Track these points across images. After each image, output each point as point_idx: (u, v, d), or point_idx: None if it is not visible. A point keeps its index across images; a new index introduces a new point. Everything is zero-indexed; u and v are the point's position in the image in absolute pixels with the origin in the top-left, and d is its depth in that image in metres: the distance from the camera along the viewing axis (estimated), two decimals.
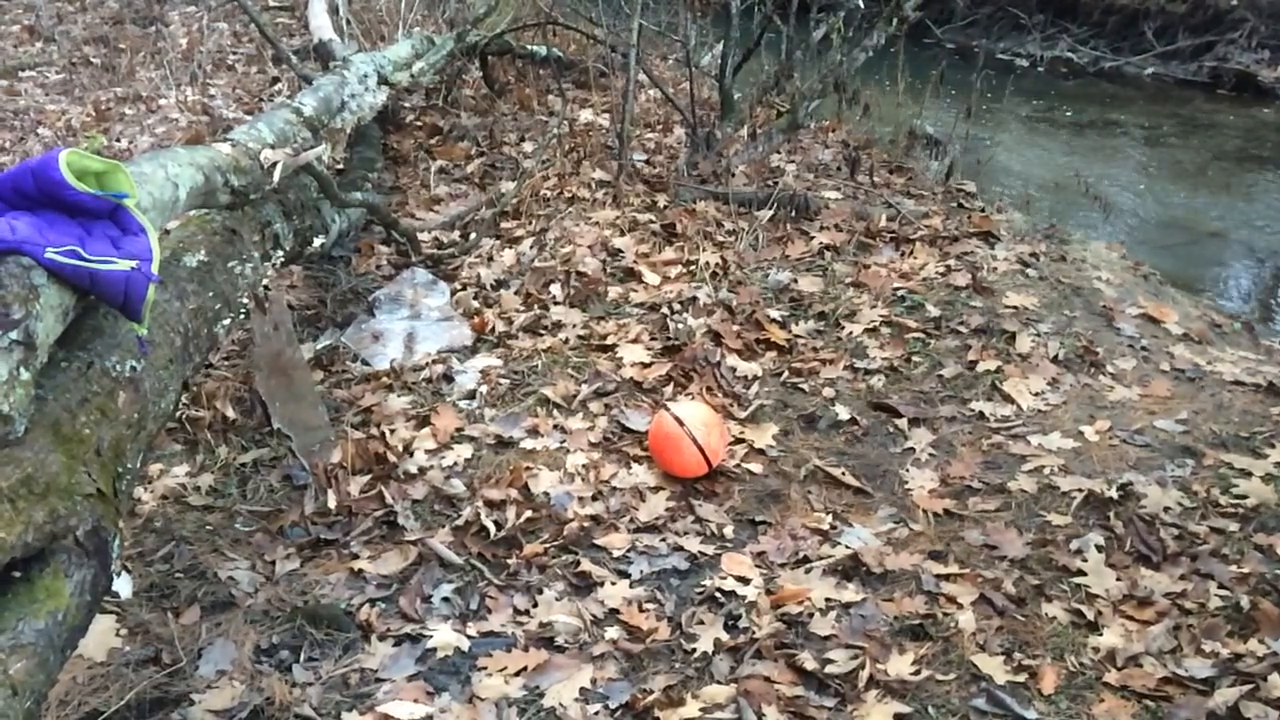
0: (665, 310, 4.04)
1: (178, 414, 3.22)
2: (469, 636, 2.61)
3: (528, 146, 5.77)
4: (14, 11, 9.28)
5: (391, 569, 2.84)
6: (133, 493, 2.52)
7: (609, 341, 3.88)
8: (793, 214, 4.75)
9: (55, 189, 1.92)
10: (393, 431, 3.39)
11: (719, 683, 2.45)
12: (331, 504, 3.08)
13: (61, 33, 8.52)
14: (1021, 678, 2.43)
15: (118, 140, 6.09)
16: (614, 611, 2.69)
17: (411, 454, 3.29)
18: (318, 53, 5.91)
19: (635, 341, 3.86)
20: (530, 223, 4.80)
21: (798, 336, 3.94)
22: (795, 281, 4.27)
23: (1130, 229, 6.13)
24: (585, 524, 3.00)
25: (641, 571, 2.83)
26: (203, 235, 2.92)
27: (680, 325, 3.93)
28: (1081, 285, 4.24)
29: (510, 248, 4.59)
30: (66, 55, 7.95)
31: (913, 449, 3.31)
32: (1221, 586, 2.65)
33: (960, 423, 3.44)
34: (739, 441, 3.35)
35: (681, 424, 3.13)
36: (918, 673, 2.44)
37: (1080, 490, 3.03)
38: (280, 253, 3.42)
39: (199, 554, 2.89)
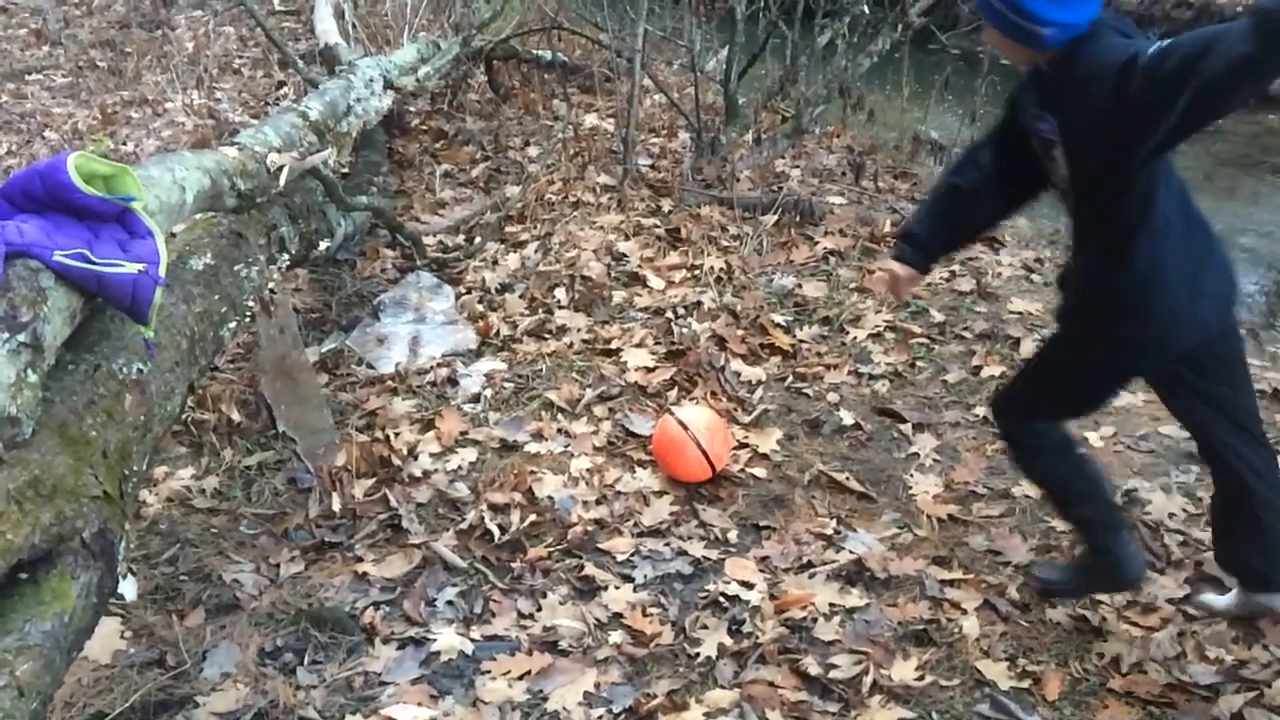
0: (669, 315, 4.04)
1: (183, 417, 3.23)
2: (473, 640, 2.61)
3: (532, 151, 5.78)
4: (21, 15, 9.31)
5: (395, 572, 2.85)
6: (138, 495, 2.52)
7: (613, 346, 3.89)
8: (797, 219, 4.76)
9: (63, 192, 1.93)
10: (397, 435, 3.39)
11: (722, 687, 2.45)
12: (336, 507, 3.09)
13: (68, 36, 8.55)
14: (1025, 684, 2.42)
15: (124, 144, 6.11)
16: (618, 615, 2.69)
17: (416, 457, 3.29)
18: (323, 57, 5.92)
19: (639, 346, 3.86)
20: (535, 227, 4.80)
21: (802, 341, 3.94)
22: (799, 286, 4.27)
23: None
24: (589, 528, 3.00)
25: (645, 576, 2.83)
26: (209, 238, 2.93)
27: (684, 330, 3.94)
28: None
29: (515, 252, 4.60)
30: (73, 59, 7.97)
31: (917, 454, 3.31)
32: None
33: (964, 428, 3.44)
34: (743, 446, 3.35)
35: (685, 428, 3.13)
36: (921, 678, 2.44)
37: None
38: (286, 256, 3.42)
39: (203, 556, 2.90)
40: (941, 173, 2.44)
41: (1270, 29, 1.75)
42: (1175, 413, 2.44)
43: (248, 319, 3.02)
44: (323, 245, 3.84)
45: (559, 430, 3.44)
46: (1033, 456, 2.52)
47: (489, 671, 2.50)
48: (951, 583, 2.75)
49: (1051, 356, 2.47)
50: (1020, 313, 4.01)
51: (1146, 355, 2.30)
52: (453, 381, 3.73)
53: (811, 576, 2.79)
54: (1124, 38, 2.08)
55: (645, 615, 2.68)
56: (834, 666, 2.49)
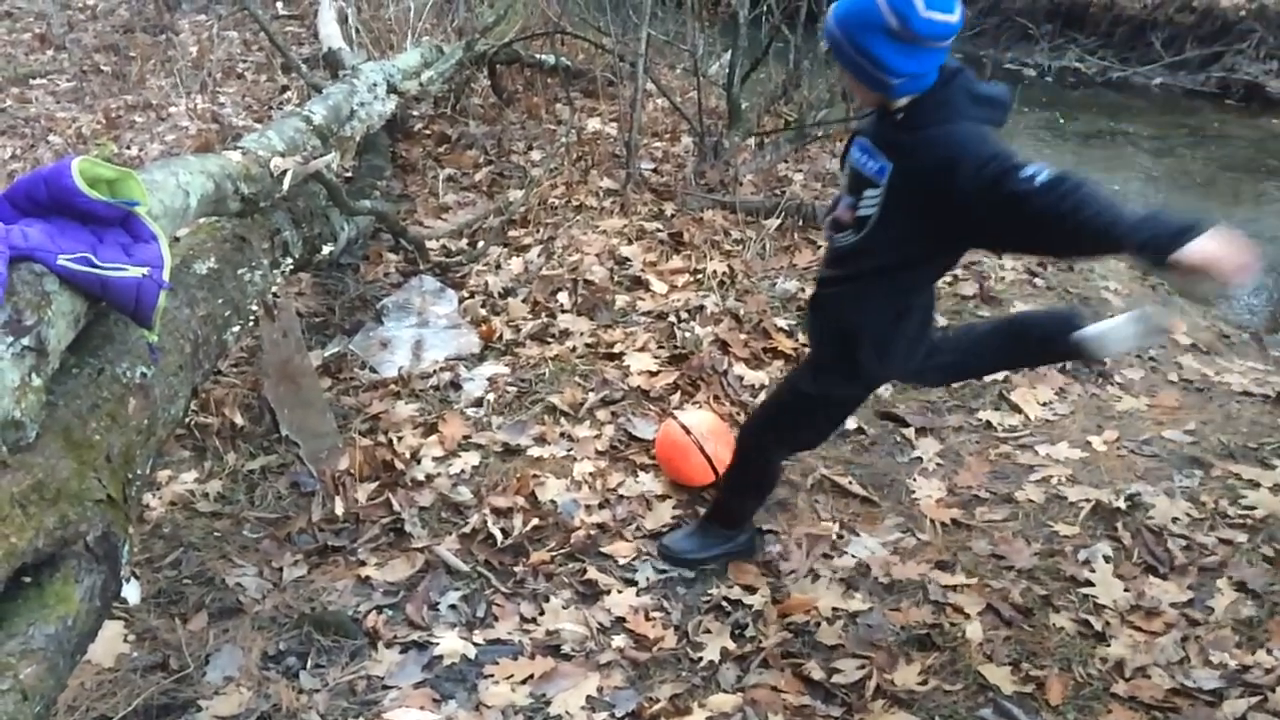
0: (672, 319, 4.04)
1: (187, 420, 3.23)
2: (476, 644, 2.61)
3: (536, 155, 5.79)
4: (25, 19, 9.33)
5: (398, 576, 2.85)
6: (142, 499, 2.53)
7: (616, 350, 3.89)
8: (800, 223, 4.76)
9: (68, 196, 1.93)
10: (400, 439, 3.39)
11: (725, 691, 2.45)
12: (339, 511, 3.09)
13: (73, 40, 8.56)
14: (1029, 688, 2.42)
15: (128, 148, 6.12)
16: (620, 620, 2.69)
17: (419, 461, 3.29)
18: (327, 61, 5.93)
19: (642, 350, 3.86)
20: (538, 231, 4.81)
21: (805, 345, 3.94)
22: (803, 290, 4.27)
23: None
24: (592, 532, 3.00)
25: (648, 579, 2.83)
26: (213, 243, 2.93)
27: (687, 334, 3.94)
28: (1089, 295, 4.24)
29: (518, 256, 4.60)
30: (77, 63, 7.98)
31: (920, 458, 3.31)
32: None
33: (968, 432, 3.44)
34: None
35: (689, 432, 3.13)
36: (925, 683, 2.44)
37: (1088, 500, 3.03)
38: (289, 260, 3.42)
39: (207, 560, 2.90)
40: None
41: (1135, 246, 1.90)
42: None
43: (251, 323, 3.03)
44: (326, 249, 3.84)
45: (562, 434, 3.44)
46: (773, 455, 2.75)
47: (491, 675, 2.50)
48: (955, 587, 2.75)
49: (801, 383, 2.62)
50: None
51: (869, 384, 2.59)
52: (456, 385, 3.73)
53: (814, 581, 2.79)
54: (977, 105, 2.12)
55: (648, 619, 2.68)
56: (837, 671, 2.49)
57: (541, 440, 3.41)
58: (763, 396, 2.76)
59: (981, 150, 2.03)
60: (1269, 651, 2.46)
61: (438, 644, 2.60)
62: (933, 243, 2.22)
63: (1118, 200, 1.97)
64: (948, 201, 2.05)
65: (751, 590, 2.77)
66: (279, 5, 9.00)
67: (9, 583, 1.65)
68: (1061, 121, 8.25)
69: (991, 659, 2.51)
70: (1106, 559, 2.80)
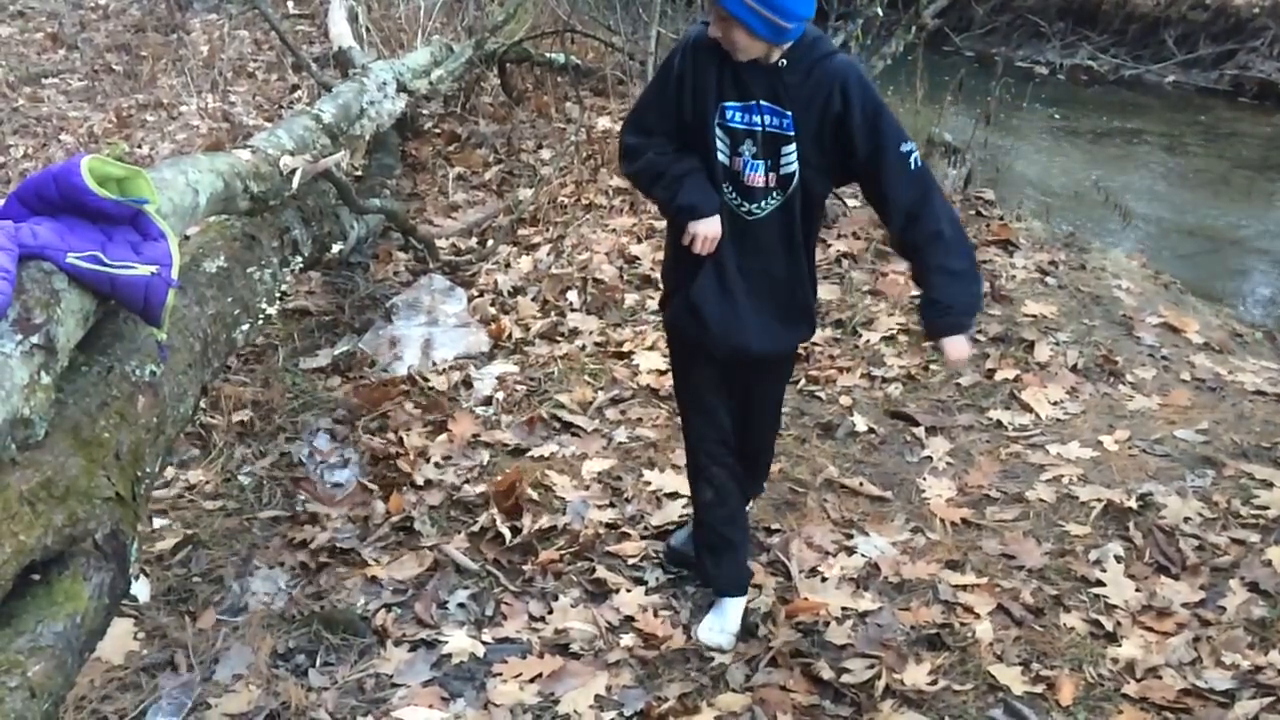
0: None
1: (195, 418, 3.24)
2: (484, 642, 2.61)
3: (545, 154, 5.79)
4: (37, 19, 9.37)
5: (407, 574, 2.85)
6: (150, 496, 2.53)
7: (626, 349, 3.88)
8: None
9: (77, 195, 1.94)
10: (409, 437, 3.39)
11: (734, 691, 2.44)
12: (348, 511, 3.09)
13: (84, 40, 8.60)
14: (1039, 688, 2.41)
15: (139, 147, 6.14)
16: (629, 618, 2.68)
17: (428, 460, 3.29)
18: (337, 60, 5.94)
19: (652, 349, 3.86)
20: (548, 230, 4.80)
21: (815, 344, 3.93)
22: None
23: (1150, 237, 6.09)
24: (600, 531, 3.00)
25: (656, 578, 2.83)
26: (222, 241, 2.94)
27: None
28: (1101, 294, 4.22)
29: (527, 255, 4.60)
30: (89, 63, 8.02)
31: (930, 458, 3.30)
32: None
33: (978, 431, 3.42)
34: None
35: None
36: (934, 683, 2.43)
37: (1099, 500, 3.01)
38: (299, 259, 3.43)
39: (216, 558, 2.90)
40: (655, 161, 2.43)
41: None
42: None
43: (260, 321, 3.03)
44: (335, 248, 3.85)
45: (571, 433, 3.44)
46: None
47: (500, 674, 2.50)
48: (965, 587, 2.73)
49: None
50: (1034, 316, 3.99)
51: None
52: (465, 384, 3.74)
53: (823, 580, 2.78)
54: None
55: (656, 618, 2.68)
56: (846, 670, 2.48)
57: (550, 439, 3.41)
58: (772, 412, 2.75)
59: (869, 93, 2.21)
60: None
61: (446, 642, 2.60)
62: (834, 177, 2.35)
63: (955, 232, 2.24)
64: (843, 130, 2.20)
65: (760, 589, 2.76)
66: (289, 4, 9.03)
67: (18, 580, 1.65)
68: (1059, 119, 8.23)
69: (1002, 659, 2.50)
70: (1118, 559, 2.78)
